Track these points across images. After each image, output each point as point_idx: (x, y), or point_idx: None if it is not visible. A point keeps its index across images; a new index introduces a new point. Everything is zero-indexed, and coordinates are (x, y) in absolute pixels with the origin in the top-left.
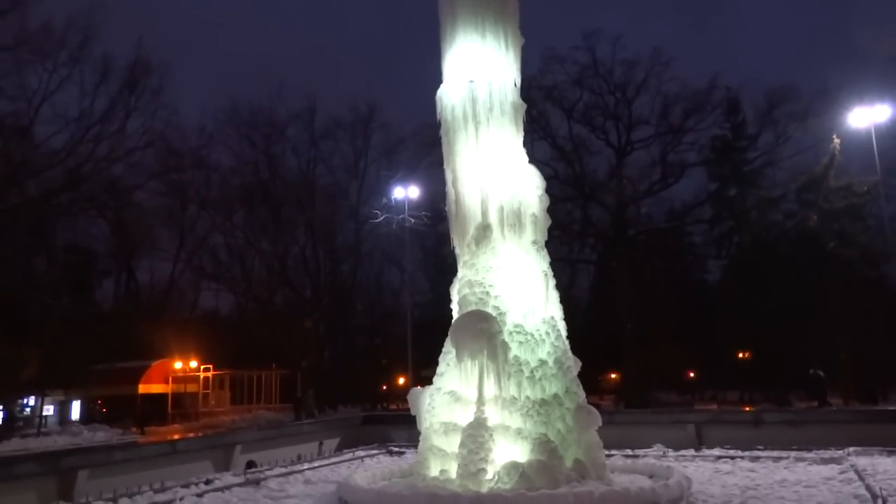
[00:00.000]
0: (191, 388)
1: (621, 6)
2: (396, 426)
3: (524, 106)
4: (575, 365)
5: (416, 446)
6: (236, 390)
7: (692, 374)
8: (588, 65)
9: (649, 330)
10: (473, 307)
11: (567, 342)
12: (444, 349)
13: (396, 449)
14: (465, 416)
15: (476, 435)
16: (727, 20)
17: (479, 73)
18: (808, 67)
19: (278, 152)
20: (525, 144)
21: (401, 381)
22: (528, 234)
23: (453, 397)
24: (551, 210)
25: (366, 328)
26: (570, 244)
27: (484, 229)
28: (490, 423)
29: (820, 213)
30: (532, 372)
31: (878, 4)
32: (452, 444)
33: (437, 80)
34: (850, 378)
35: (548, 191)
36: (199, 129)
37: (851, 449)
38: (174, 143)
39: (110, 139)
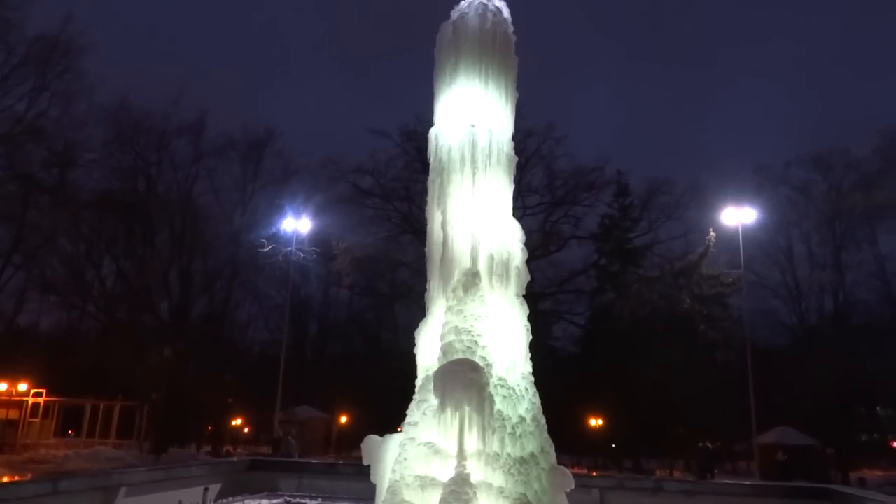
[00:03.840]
0: (12, 414)
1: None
2: (285, 473)
3: (516, 159)
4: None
5: (312, 496)
6: (68, 421)
7: None
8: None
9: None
10: (460, 355)
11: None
12: (417, 397)
13: (292, 500)
14: (443, 471)
15: (460, 492)
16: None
17: (479, 119)
18: (684, 164)
19: (157, 162)
20: (417, 194)
21: (237, 422)
22: (513, 285)
23: (431, 449)
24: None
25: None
26: None
27: (473, 276)
28: (472, 479)
29: (691, 297)
30: (513, 428)
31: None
32: (429, 500)
33: (343, 117)
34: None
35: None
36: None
37: None
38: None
39: None
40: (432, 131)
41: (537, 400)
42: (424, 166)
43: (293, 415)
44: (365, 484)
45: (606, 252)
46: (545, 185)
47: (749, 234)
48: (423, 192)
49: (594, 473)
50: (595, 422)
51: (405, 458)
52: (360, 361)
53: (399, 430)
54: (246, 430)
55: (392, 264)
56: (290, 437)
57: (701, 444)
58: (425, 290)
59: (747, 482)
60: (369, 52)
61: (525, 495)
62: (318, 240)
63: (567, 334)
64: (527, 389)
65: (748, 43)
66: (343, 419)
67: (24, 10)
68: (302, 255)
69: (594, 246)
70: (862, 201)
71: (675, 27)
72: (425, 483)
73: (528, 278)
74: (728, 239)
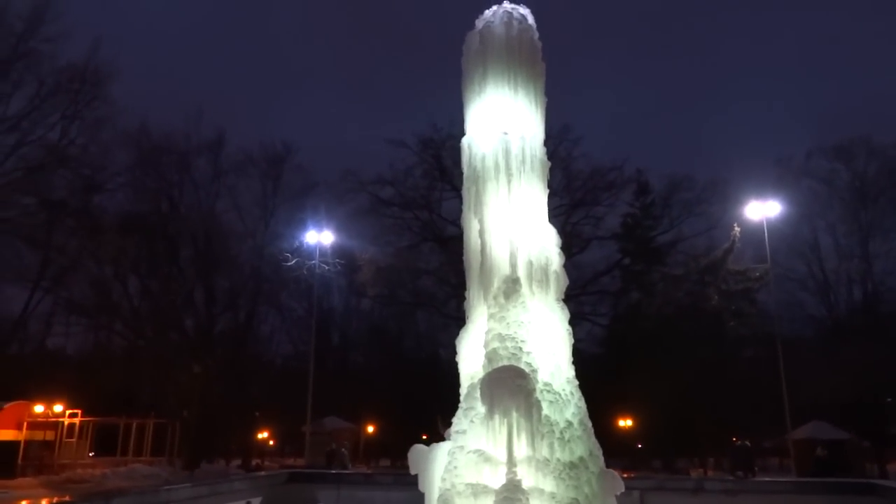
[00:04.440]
0: (49, 435)
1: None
2: (323, 485)
3: (549, 164)
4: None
5: None
6: (102, 440)
7: None
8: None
9: None
10: (505, 362)
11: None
12: (463, 405)
13: None
14: (494, 478)
15: (513, 498)
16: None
17: (511, 127)
18: (702, 161)
19: (179, 182)
20: (437, 202)
21: (263, 434)
22: (553, 290)
23: (482, 457)
24: (456, 268)
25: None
26: None
27: (513, 283)
28: (524, 485)
29: (719, 293)
30: (561, 433)
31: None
32: None
33: (358, 129)
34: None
35: (453, 250)
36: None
37: None
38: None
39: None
40: (465, 140)
41: (583, 404)
42: (443, 173)
43: (321, 426)
44: (403, 493)
45: (630, 251)
46: (564, 187)
47: (773, 227)
48: (441, 200)
49: (625, 475)
50: (624, 423)
51: (455, 467)
52: (383, 370)
53: (425, 437)
54: (271, 442)
55: (415, 273)
56: (342, 449)
57: (740, 441)
58: (447, 297)
59: (788, 479)
60: (372, 66)
61: (577, 500)
62: (340, 252)
63: (590, 336)
64: (572, 394)
65: (755, 36)
66: (370, 429)
67: (55, 42)
68: (326, 268)
69: (617, 246)
70: (887, 189)
71: (676, 24)
72: (477, 491)
73: (567, 282)
74: (752, 233)
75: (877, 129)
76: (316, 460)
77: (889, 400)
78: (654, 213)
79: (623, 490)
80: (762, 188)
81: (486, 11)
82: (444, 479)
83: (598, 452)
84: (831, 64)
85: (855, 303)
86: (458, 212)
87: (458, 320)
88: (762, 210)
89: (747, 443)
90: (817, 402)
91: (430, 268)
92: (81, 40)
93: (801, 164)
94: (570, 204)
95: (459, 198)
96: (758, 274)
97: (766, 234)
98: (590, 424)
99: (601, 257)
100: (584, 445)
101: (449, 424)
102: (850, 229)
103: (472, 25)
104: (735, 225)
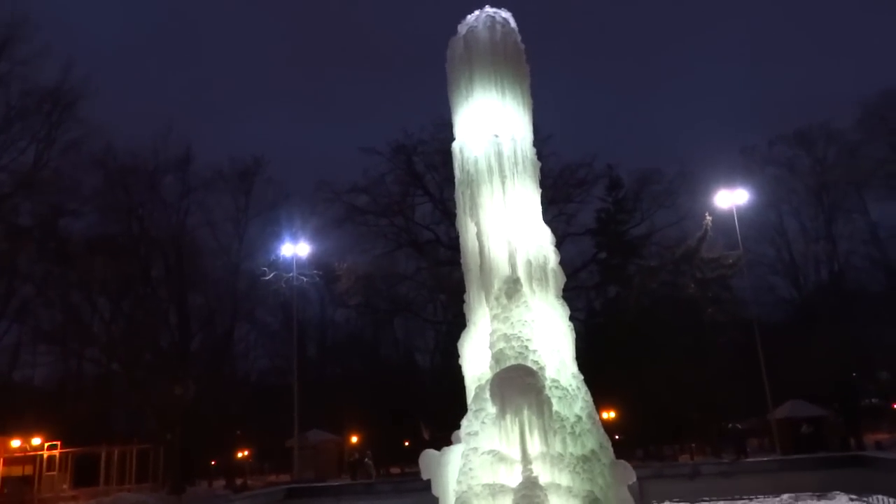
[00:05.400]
0: (28, 469)
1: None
2: (322, 498)
3: (540, 164)
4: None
5: None
6: (83, 470)
7: None
8: None
9: None
10: (512, 361)
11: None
12: (473, 407)
13: None
14: (510, 477)
15: (531, 495)
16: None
17: (501, 129)
18: (669, 154)
19: (147, 201)
20: (410, 207)
21: (244, 453)
22: (552, 288)
23: (496, 457)
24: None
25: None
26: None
27: (514, 283)
28: (541, 481)
29: (695, 281)
30: (572, 427)
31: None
32: None
33: (324, 140)
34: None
35: (429, 254)
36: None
37: (786, 496)
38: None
39: None
40: (455, 145)
41: (589, 397)
42: (415, 179)
43: (306, 439)
44: (404, 500)
45: (605, 245)
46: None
47: (742, 214)
48: (415, 205)
49: None
50: (607, 415)
51: (470, 469)
52: (362, 380)
53: (407, 443)
54: (250, 461)
55: (394, 279)
56: (366, 459)
57: (731, 425)
58: (425, 301)
59: (780, 457)
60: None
61: (592, 492)
62: (316, 263)
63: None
64: (578, 388)
65: (708, 28)
66: (353, 439)
67: (32, 63)
68: (305, 280)
69: (592, 241)
70: (846, 172)
71: (621, 21)
72: (495, 490)
73: (564, 279)
74: (723, 221)
75: (835, 113)
76: (304, 475)
77: (854, 375)
78: (627, 206)
79: (634, 480)
80: (730, 177)
81: (469, 16)
82: (459, 482)
83: (608, 444)
84: (789, 51)
85: (823, 283)
86: (432, 216)
87: (436, 324)
88: (731, 198)
89: (738, 426)
90: (793, 381)
91: (407, 273)
92: (42, 61)
93: (764, 152)
94: (541, 202)
95: (432, 202)
96: (731, 261)
97: (736, 222)
98: (597, 417)
99: (576, 254)
100: (594, 438)
101: (432, 429)
102: (815, 212)
103: (434, 32)
104: (707, 214)
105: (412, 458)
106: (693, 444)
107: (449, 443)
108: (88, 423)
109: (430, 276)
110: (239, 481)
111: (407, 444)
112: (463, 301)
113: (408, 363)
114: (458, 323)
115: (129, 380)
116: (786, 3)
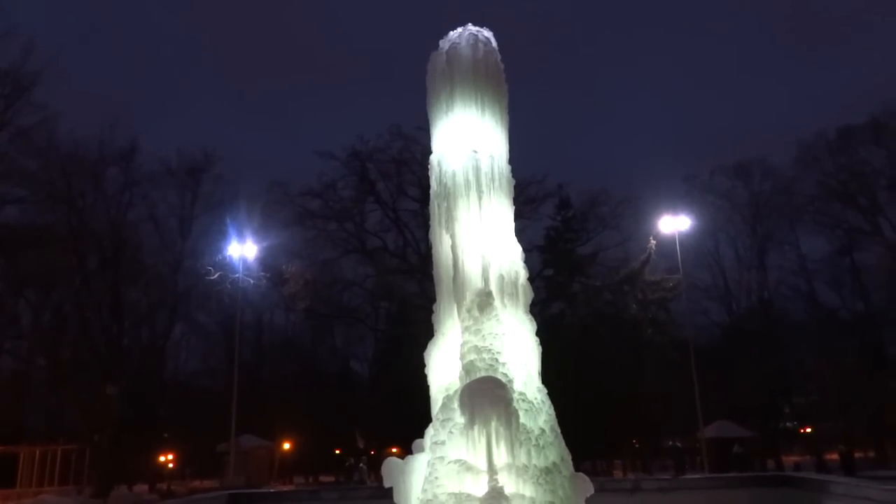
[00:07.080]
0: None
1: None
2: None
3: (514, 181)
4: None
5: None
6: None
7: None
8: (428, 150)
9: None
10: (482, 373)
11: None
12: (440, 416)
13: None
14: (476, 487)
15: None
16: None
17: (479, 145)
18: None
19: (86, 192)
20: (359, 213)
21: (168, 456)
22: (522, 303)
23: (463, 467)
24: (381, 281)
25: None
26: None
27: (487, 296)
28: (506, 491)
29: (636, 302)
30: (536, 440)
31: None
32: None
33: (280, 146)
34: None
35: (378, 261)
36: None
37: None
38: None
39: None
40: (433, 157)
41: (552, 411)
42: (368, 185)
43: (237, 444)
44: None
45: (552, 263)
46: None
47: (682, 239)
48: (366, 212)
49: None
50: None
51: (436, 478)
52: (297, 386)
53: (338, 451)
54: (171, 465)
55: (341, 285)
56: (360, 465)
57: (671, 443)
58: (372, 309)
59: (715, 476)
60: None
61: (553, 503)
62: (262, 264)
63: None
64: (543, 402)
65: (647, 56)
66: (286, 446)
67: None
68: (251, 281)
69: (539, 258)
70: (779, 206)
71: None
72: (461, 499)
73: (532, 295)
74: (664, 245)
75: (773, 147)
76: (235, 481)
77: (774, 398)
78: (575, 226)
79: (592, 492)
80: (672, 204)
81: (451, 33)
82: (425, 490)
83: (568, 457)
84: (731, 86)
85: (753, 309)
86: (381, 224)
87: (378, 332)
88: (674, 224)
89: (678, 444)
90: (720, 402)
91: (356, 280)
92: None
93: (705, 181)
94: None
95: (383, 210)
96: (671, 284)
97: (677, 247)
98: (559, 431)
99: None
100: (556, 451)
101: (366, 437)
102: (750, 242)
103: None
104: (651, 238)
105: (343, 466)
106: (622, 461)
107: (387, 452)
108: (2, 422)
109: (378, 284)
110: (165, 486)
111: (338, 451)
112: (410, 311)
113: (345, 371)
114: (403, 333)
115: (52, 376)
116: (726, 43)
